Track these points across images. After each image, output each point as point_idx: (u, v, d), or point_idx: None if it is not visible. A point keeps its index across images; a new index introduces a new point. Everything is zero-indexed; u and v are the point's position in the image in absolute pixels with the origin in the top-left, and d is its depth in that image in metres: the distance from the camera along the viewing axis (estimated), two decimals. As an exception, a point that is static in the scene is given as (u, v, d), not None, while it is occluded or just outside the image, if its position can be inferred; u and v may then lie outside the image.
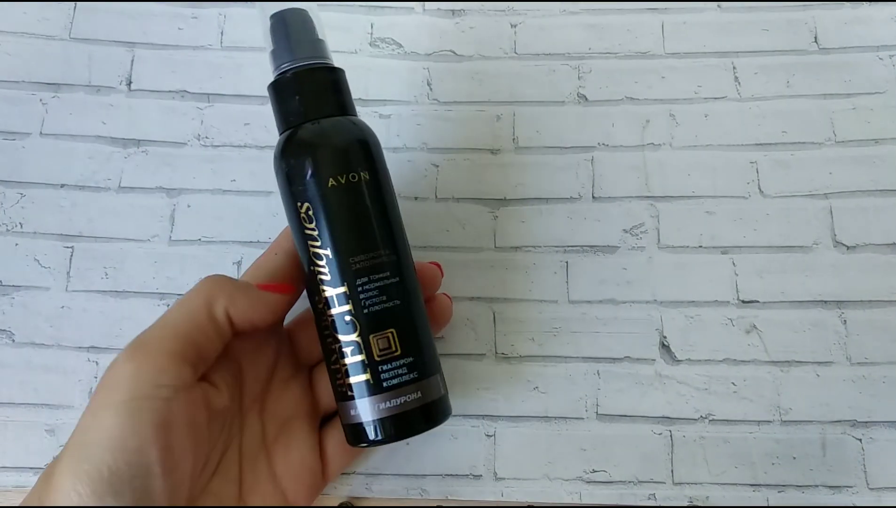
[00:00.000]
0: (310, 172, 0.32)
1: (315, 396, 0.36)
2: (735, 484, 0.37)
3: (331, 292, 0.32)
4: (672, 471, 0.37)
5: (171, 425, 0.28)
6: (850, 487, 0.37)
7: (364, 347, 0.31)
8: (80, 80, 0.44)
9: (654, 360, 0.39)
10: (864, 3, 0.45)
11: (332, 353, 0.32)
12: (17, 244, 0.41)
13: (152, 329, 0.30)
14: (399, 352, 0.32)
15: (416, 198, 0.42)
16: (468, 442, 0.38)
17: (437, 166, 0.42)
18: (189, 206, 0.42)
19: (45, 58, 0.44)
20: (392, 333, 0.32)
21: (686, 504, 0.37)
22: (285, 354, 0.35)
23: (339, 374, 0.32)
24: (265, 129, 0.43)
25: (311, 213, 0.32)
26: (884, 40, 0.44)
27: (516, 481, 0.37)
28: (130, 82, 0.44)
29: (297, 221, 0.32)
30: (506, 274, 0.40)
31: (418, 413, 0.32)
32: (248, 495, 0.32)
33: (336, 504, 0.37)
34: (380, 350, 0.31)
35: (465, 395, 0.39)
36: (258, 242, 0.41)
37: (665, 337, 0.39)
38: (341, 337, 0.32)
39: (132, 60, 0.45)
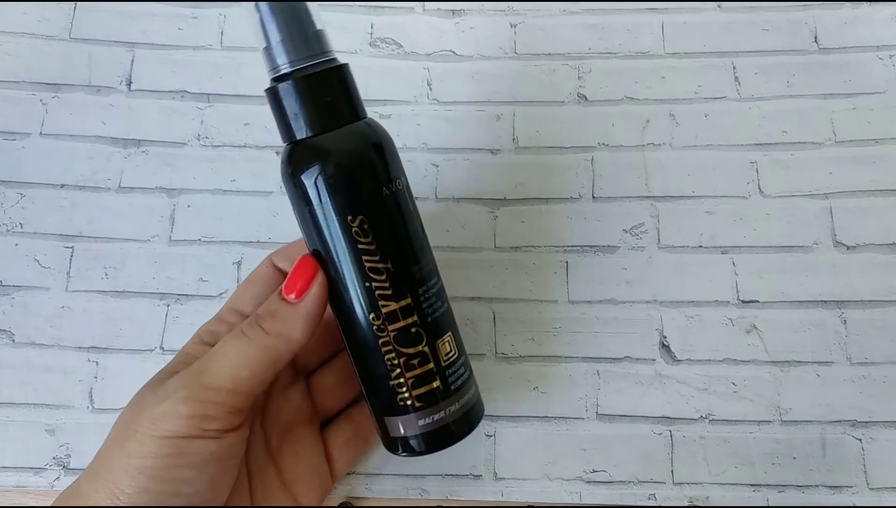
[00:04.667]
0: (364, 182, 0.29)
1: (313, 400, 0.36)
2: (735, 484, 0.37)
3: (393, 305, 0.30)
4: (672, 471, 0.37)
5: (220, 460, 0.28)
6: (850, 487, 0.37)
7: (432, 354, 0.31)
8: (80, 80, 0.44)
9: (654, 360, 0.39)
10: (864, 3, 0.45)
11: (393, 369, 0.31)
12: (17, 244, 0.41)
13: (211, 375, 0.29)
14: (456, 353, 0.32)
15: (416, 198, 0.42)
16: (468, 442, 0.38)
17: (437, 166, 0.42)
18: (189, 206, 0.42)
19: (45, 58, 0.44)
20: (451, 336, 0.32)
21: (686, 504, 0.37)
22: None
23: (402, 388, 0.31)
24: (265, 129, 0.43)
25: (366, 226, 0.29)
26: (884, 40, 0.44)
27: (516, 481, 0.37)
28: (130, 82, 0.44)
29: (348, 237, 0.29)
30: (506, 274, 0.40)
31: (479, 405, 0.33)
32: (261, 504, 0.32)
33: (336, 505, 0.37)
34: (444, 355, 0.31)
35: (465, 395, 0.39)
36: (258, 242, 0.41)
37: (665, 337, 0.39)
38: (407, 350, 0.31)
39: (132, 60, 0.44)
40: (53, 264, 0.41)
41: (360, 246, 0.30)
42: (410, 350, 0.31)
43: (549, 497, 0.37)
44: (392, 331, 0.30)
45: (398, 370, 0.31)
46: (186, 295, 0.40)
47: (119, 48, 0.45)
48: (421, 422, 0.31)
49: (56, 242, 0.41)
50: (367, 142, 0.30)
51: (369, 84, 0.44)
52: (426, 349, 0.31)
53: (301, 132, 0.30)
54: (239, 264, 0.41)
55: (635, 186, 0.42)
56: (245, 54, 0.45)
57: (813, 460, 0.37)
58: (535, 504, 0.37)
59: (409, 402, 0.31)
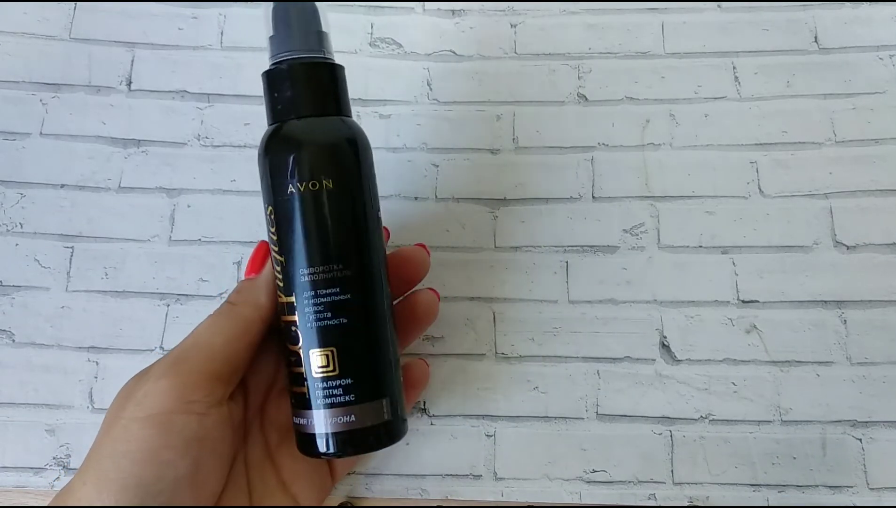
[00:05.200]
0: (272, 176, 0.31)
1: None
2: (735, 484, 0.37)
3: (283, 299, 0.31)
4: (672, 471, 0.37)
5: (203, 440, 0.28)
6: (850, 487, 0.37)
7: (303, 360, 0.31)
8: (80, 80, 0.44)
9: (654, 360, 0.39)
10: (864, 3, 0.45)
11: (285, 356, 0.32)
12: (17, 244, 0.41)
13: (186, 349, 0.30)
14: (337, 373, 0.30)
15: (416, 198, 0.42)
16: (468, 442, 0.38)
17: (437, 166, 0.42)
18: (189, 206, 0.42)
19: (45, 58, 0.44)
20: (332, 352, 0.31)
21: (686, 504, 0.37)
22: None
23: (286, 377, 0.33)
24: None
25: (273, 217, 0.31)
26: (884, 40, 0.44)
27: (516, 481, 0.37)
28: (130, 82, 0.44)
29: (265, 220, 0.32)
30: (506, 274, 0.40)
31: (349, 437, 0.31)
32: (259, 504, 0.32)
33: (336, 504, 0.37)
34: (318, 367, 0.31)
35: (465, 395, 0.39)
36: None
37: (665, 337, 0.39)
38: (287, 345, 0.32)
39: (132, 60, 0.44)
40: (53, 264, 0.41)
41: (269, 233, 0.32)
42: (289, 347, 0.31)
43: (549, 497, 0.37)
44: (281, 321, 0.32)
45: (286, 360, 0.32)
46: (186, 295, 0.40)
47: (119, 48, 0.45)
48: (293, 418, 0.32)
49: (56, 242, 0.41)
50: (287, 139, 0.31)
51: (369, 84, 0.44)
52: (300, 352, 0.31)
53: (270, 118, 0.32)
54: (239, 264, 0.41)
55: (635, 187, 0.42)
56: (245, 54, 0.45)
57: (813, 460, 0.37)
58: (535, 504, 0.37)
59: (288, 393, 0.32)
